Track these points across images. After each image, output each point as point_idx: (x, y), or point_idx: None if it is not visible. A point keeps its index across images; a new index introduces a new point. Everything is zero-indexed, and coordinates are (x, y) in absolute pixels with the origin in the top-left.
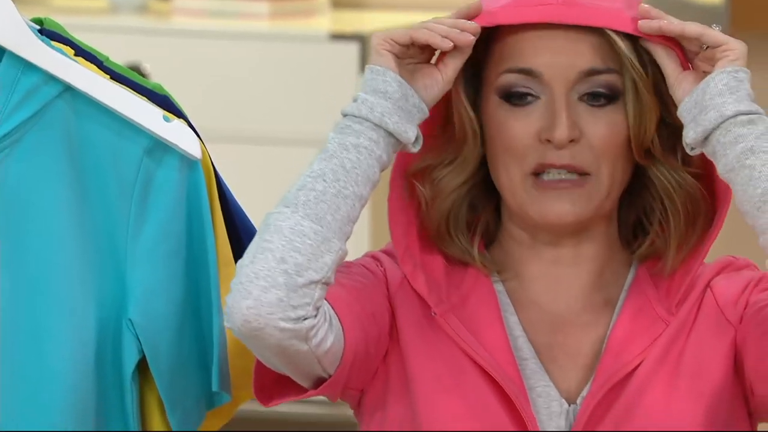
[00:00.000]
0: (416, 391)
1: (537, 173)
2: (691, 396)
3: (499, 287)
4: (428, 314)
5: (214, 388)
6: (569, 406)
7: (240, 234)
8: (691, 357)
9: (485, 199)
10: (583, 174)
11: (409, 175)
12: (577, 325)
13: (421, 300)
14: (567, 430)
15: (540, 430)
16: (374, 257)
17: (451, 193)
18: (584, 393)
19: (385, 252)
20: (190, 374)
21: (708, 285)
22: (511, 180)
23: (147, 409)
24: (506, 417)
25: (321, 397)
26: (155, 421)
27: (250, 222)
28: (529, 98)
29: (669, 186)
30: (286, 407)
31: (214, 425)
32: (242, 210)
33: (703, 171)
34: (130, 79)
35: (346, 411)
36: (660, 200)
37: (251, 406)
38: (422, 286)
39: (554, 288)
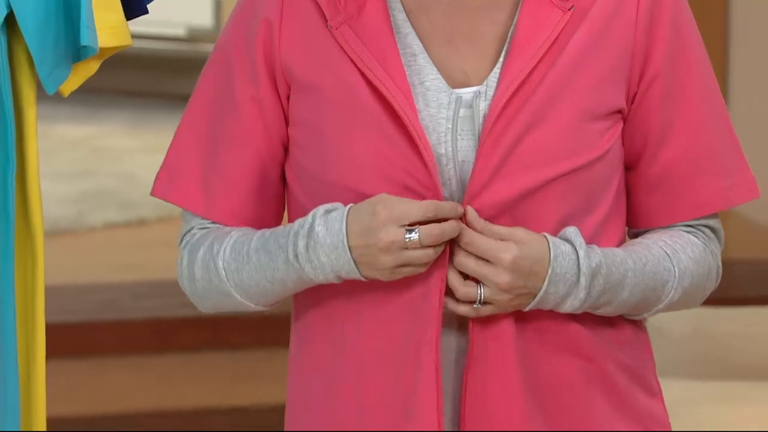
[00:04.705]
0: (317, 110)
1: None
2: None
3: None
4: (324, 27)
5: (83, 42)
6: (460, 89)
7: None
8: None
9: None
10: None
11: None
12: (477, 9)
13: (318, 11)
14: (453, 114)
15: (427, 141)
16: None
17: None
18: (492, 77)
19: None
20: (57, 28)
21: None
22: None
23: (16, 63)
24: (397, 131)
25: None
26: (23, 74)
27: None
28: None
29: None
30: None
31: (80, 78)
32: None
33: None
34: None
35: None
36: None
37: None
38: None
39: None
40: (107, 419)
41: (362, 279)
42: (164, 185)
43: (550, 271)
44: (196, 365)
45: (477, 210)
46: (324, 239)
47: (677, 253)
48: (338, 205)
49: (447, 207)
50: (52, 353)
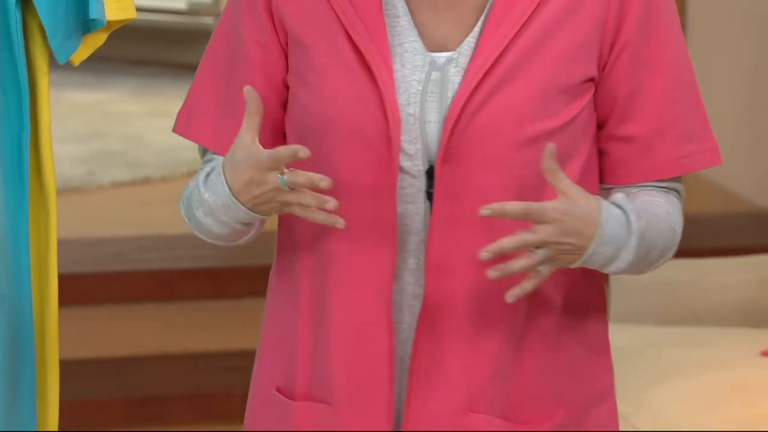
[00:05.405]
0: (309, 70)
1: None
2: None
3: None
4: None
5: (92, 15)
6: (437, 53)
7: None
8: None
9: None
10: None
11: None
12: None
13: None
14: (425, 77)
15: (395, 101)
16: None
17: None
18: (465, 45)
19: None
20: (68, 3)
21: None
22: None
23: (30, 35)
24: (371, 90)
25: None
26: (37, 45)
27: None
28: None
29: None
30: None
31: (89, 48)
32: None
33: None
34: None
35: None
36: None
37: None
38: None
39: None
40: (114, 362)
41: (262, 216)
42: (182, 123)
43: (598, 232)
44: (197, 313)
45: (443, 174)
46: (215, 203)
47: (672, 216)
48: (215, 167)
49: (282, 151)
50: (63, 301)
